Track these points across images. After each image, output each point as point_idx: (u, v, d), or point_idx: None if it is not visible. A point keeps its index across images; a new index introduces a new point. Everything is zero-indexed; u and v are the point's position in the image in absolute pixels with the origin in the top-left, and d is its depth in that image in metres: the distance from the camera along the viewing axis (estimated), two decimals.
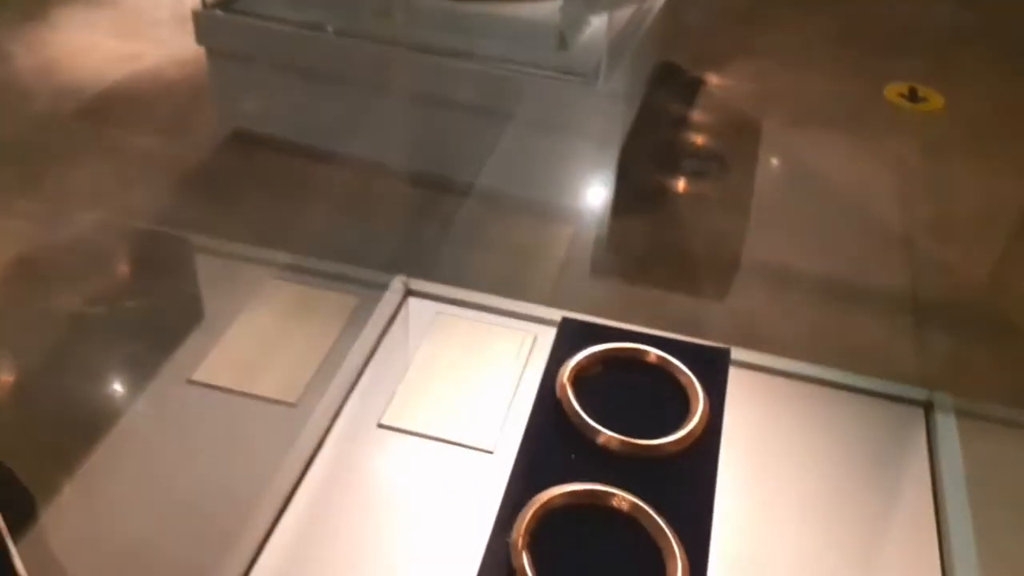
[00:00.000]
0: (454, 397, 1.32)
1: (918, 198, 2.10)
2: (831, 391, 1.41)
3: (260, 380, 1.33)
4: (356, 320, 1.42)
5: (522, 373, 1.37)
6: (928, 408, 1.40)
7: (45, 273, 1.53)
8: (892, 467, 1.31)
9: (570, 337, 1.28)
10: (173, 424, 1.28)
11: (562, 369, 1.21)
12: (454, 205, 1.91)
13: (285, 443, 1.25)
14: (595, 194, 2.06)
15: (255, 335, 1.40)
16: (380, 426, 1.28)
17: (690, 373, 1.21)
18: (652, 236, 1.96)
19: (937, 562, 1.20)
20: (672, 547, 1.01)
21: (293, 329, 1.42)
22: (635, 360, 1.24)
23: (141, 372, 1.33)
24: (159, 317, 1.44)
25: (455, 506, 1.20)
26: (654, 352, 1.24)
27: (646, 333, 1.30)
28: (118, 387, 1.34)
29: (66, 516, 1.15)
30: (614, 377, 1.22)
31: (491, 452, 1.26)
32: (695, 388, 1.20)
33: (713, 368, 1.25)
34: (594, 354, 1.23)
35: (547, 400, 1.19)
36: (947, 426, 1.37)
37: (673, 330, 1.34)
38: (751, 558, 1.17)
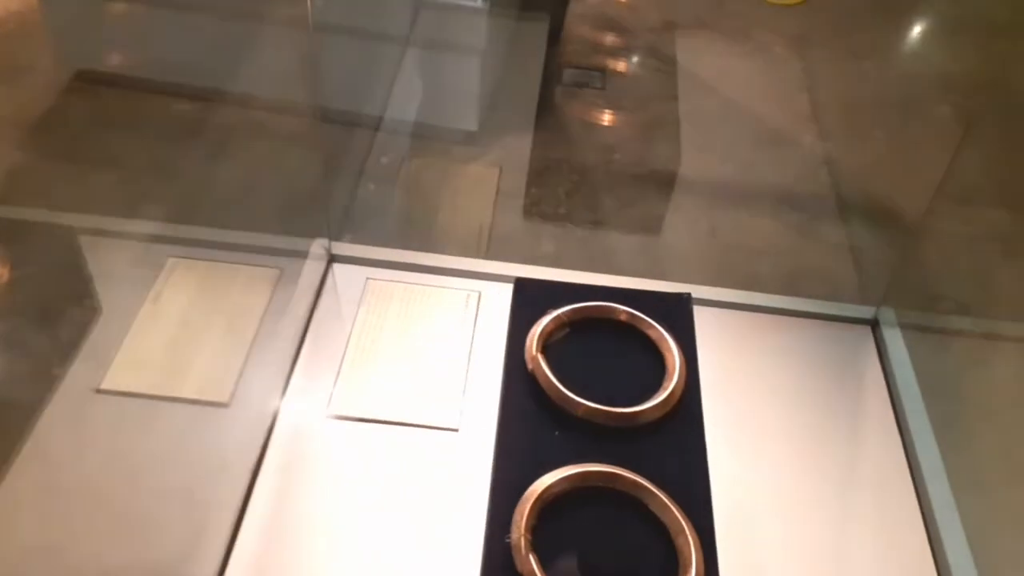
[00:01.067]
0: (405, 373, 1.21)
1: (797, 90, 2.08)
2: (782, 319, 1.38)
3: (182, 381, 1.18)
4: (279, 297, 1.28)
5: (473, 337, 1.27)
6: (875, 325, 1.39)
7: None
8: (851, 386, 1.30)
9: (527, 299, 1.19)
10: (88, 445, 1.12)
11: (529, 339, 1.12)
12: (364, 146, 1.75)
13: (226, 450, 1.12)
14: (510, 119, 1.94)
15: (165, 328, 1.24)
16: (331, 417, 1.17)
17: (659, 327, 1.15)
18: (564, 159, 1.87)
19: (905, 467, 1.21)
20: (679, 523, 0.96)
21: (208, 315, 1.26)
22: (601, 319, 1.16)
23: (39, 389, 1.16)
24: (45, 320, 1.25)
25: (426, 493, 1.10)
26: (620, 308, 1.16)
27: (605, 286, 1.22)
28: (15, 411, 1.17)
29: None
30: (583, 340, 1.14)
31: (456, 430, 1.17)
32: (667, 342, 1.13)
33: (678, 315, 1.19)
34: (558, 318, 1.14)
35: (518, 374, 1.10)
36: (895, 340, 1.36)
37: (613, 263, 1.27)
38: (741, 504, 1.13)
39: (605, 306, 1.16)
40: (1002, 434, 1.19)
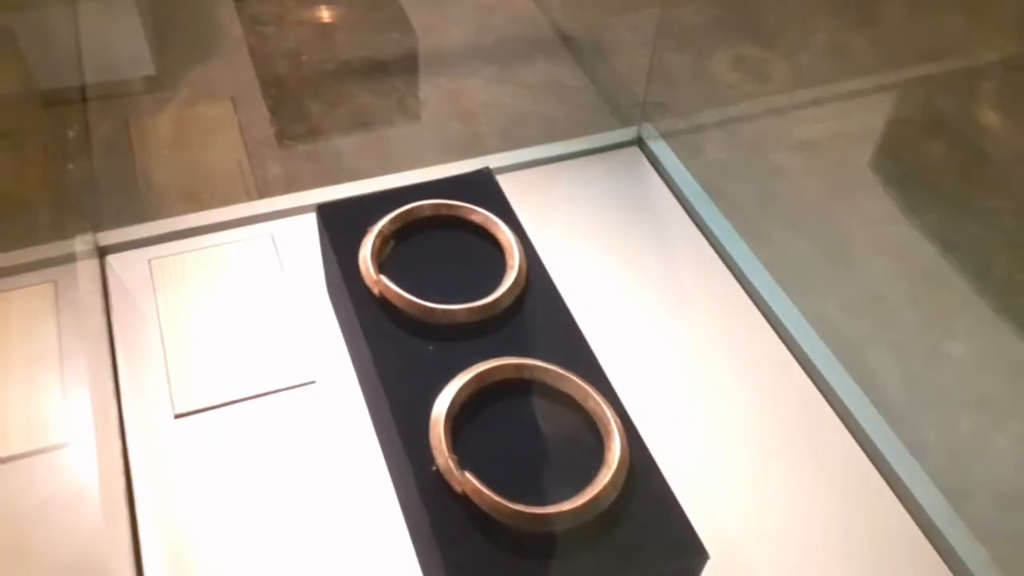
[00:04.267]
0: (234, 344, 1.12)
1: None
2: (555, 167, 1.40)
3: (3, 436, 1.02)
4: (66, 311, 1.13)
5: (285, 283, 1.19)
6: (641, 144, 1.45)
7: None
8: (643, 204, 1.36)
9: (336, 224, 1.12)
10: None
11: (362, 263, 1.06)
12: (80, 121, 1.53)
13: (88, 490, 1.00)
14: (218, 49, 1.77)
15: None
16: (179, 416, 1.06)
17: (479, 209, 1.13)
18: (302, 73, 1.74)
19: (720, 264, 1.30)
20: (583, 389, 0.97)
21: None
22: (422, 220, 1.12)
23: None
24: None
25: (311, 453, 1.05)
26: (435, 204, 1.13)
27: (406, 186, 1.17)
28: None
29: None
30: (412, 247, 1.10)
31: (313, 382, 1.11)
32: (492, 222, 1.12)
33: (487, 192, 1.17)
34: (381, 233, 1.09)
35: (364, 301, 1.05)
36: (663, 151, 1.43)
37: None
38: (607, 348, 1.17)
39: (420, 206, 1.12)
40: (786, 194, 1.30)
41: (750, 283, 1.27)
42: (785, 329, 1.21)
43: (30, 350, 1.10)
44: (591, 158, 1.41)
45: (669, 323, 1.21)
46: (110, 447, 1.02)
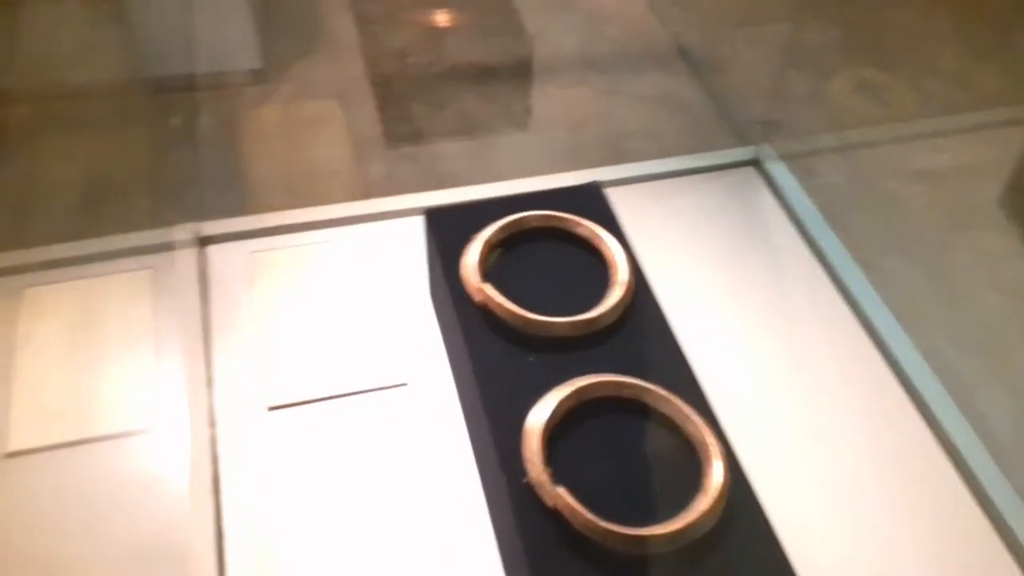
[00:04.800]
0: (330, 340, 1.13)
1: None
2: (669, 183, 1.37)
3: (91, 418, 1.05)
4: (163, 299, 1.15)
5: (388, 282, 1.19)
6: (757, 164, 1.41)
7: None
8: (757, 227, 1.33)
9: (443, 229, 1.12)
10: (18, 512, 0.98)
11: (465, 270, 1.06)
12: (190, 111, 1.57)
13: (175, 477, 1.01)
14: (328, 46, 1.79)
15: (50, 367, 1.09)
16: (271, 409, 1.07)
17: (586, 223, 1.11)
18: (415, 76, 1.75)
19: (835, 292, 1.25)
20: (682, 411, 0.94)
21: (93, 341, 1.12)
22: (526, 230, 1.11)
23: None
24: None
25: (400, 457, 1.04)
26: (542, 215, 1.11)
27: (514, 195, 1.17)
28: None
29: None
30: (517, 257, 1.09)
31: (405, 384, 1.10)
32: (599, 237, 1.10)
33: (594, 206, 1.16)
34: (488, 242, 1.08)
35: (465, 310, 1.04)
36: (781, 173, 1.39)
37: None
38: (713, 375, 1.13)
39: (527, 216, 1.11)
40: (904, 224, 1.26)
41: (863, 312, 1.22)
42: (896, 361, 1.16)
43: (125, 335, 1.12)
44: (705, 176, 1.38)
45: (776, 349, 1.17)
46: (200, 434, 1.03)
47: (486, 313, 1.03)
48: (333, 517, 0.99)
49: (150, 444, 1.05)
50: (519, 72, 1.81)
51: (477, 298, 1.03)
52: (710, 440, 0.92)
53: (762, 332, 1.19)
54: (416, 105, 1.74)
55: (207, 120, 1.62)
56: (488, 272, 1.06)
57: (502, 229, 1.09)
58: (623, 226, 1.18)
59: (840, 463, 1.07)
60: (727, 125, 1.58)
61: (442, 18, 1.91)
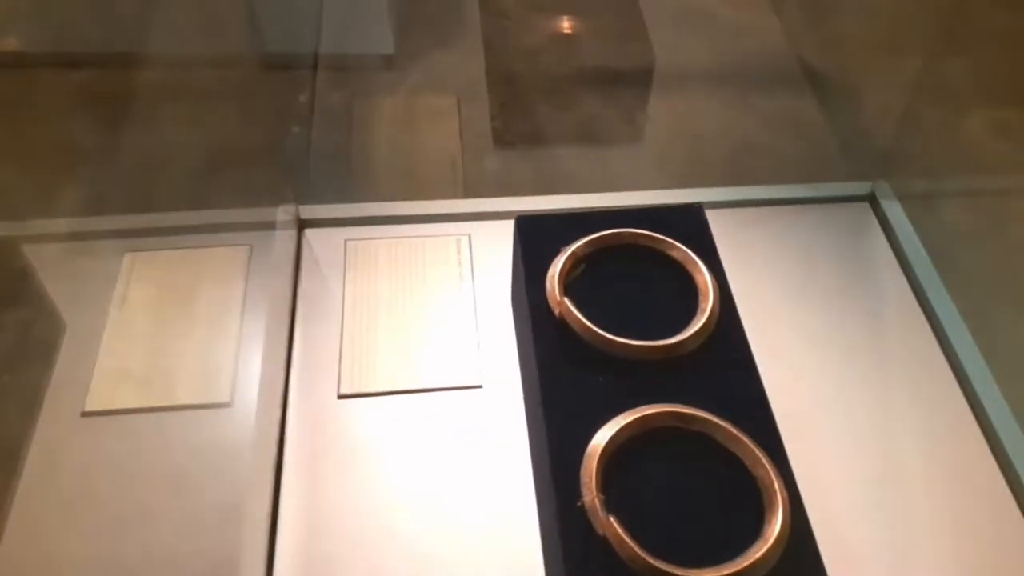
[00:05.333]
0: (409, 336, 1.13)
1: None
2: (779, 209, 1.32)
3: (172, 386, 1.07)
4: (256, 276, 1.16)
5: (473, 284, 1.18)
6: (872, 200, 1.34)
7: None
8: (862, 265, 1.26)
9: (532, 238, 1.10)
10: (86, 472, 1.01)
11: (548, 282, 1.03)
12: (307, 90, 1.59)
13: (240, 452, 1.02)
14: (458, 38, 1.79)
15: (139, 332, 1.12)
16: (343, 397, 1.08)
17: (681, 246, 1.07)
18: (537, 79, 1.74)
19: (933, 339, 1.19)
20: (754, 453, 0.90)
21: (183, 310, 1.15)
22: (619, 248, 1.08)
23: (18, 423, 1.03)
24: (5, 345, 1.12)
25: (462, 459, 1.03)
26: (635, 233, 1.08)
27: (608, 208, 1.14)
28: None
29: None
30: (603, 274, 1.06)
31: (479, 387, 1.09)
32: (693, 261, 1.06)
33: (693, 229, 1.12)
34: (574, 255, 1.06)
35: (543, 321, 1.02)
36: (896, 212, 1.32)
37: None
38: (793, 413, 1.08)
39: (619, 233, 1.08)
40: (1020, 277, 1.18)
41: (961, 366, 1.15)
42: (990, 423, 1.09)
43: (215, 308, 1.14)
44: (816, 207, 1.32)
45: (864, 398, 1.11)
46: (270, 414, 1.05)
47: (563, 327, 1.00)
48: (386, 508, 0.99)
49: (223, 418, 1.07)
50: (646, 81, 1.77)
51: (556, 311, 1.01)
52: (777, 487, 0.88)
53: (851, 378, 1.13)
54: (541, 105, 1.72)
55: (329, 101, 1.63)
56: (572, 286, 1.03)
57: (590, 243, 1.07)
58: (722, 250, 1.14)
59: (915, 528, 1.01)
60: (847, 155, 1.51)
61: (576, 22, 1.89)
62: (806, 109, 1.63)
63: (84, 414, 1.04)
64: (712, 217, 1.25)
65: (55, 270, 1.17)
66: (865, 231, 1.30)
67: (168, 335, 1.12)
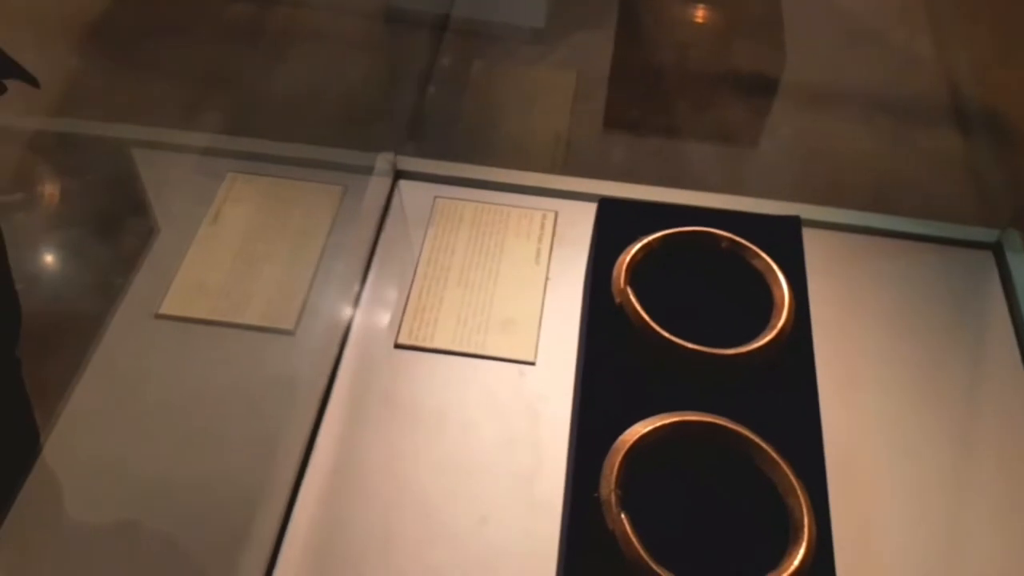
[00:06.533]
0: (476, 301, 1.12)
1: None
2: (894, 242, 1.24)
3: (244, 306, 1.10)
4: (344, 216, 1.18)
5: (549, 262, 1.16)
6: (997, 250, 1.25)
7: None
8: (972, 317, 1.17)
9: (613, 222, 1.07)
10: (149, 370, 1.06)
11: (616, 269, 1.01)
12: (429, 49, 1.61)
13: (292, 380, 1.04)
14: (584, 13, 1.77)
15: (225, 249, 1.15)
16: (399, 347, 1.08)
17: (765, 256, 1.02)
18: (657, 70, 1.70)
19: None
20: (790, 482, 0.85)
21: (270, 236, 1.17)
22: (698, 246, 1.04)
23: (98, 310, 1.08)
24: (97, 238, 1.17)
25: (500, 431, 1.02)
26: (719, 235, 1.04)
27: (700, 207, 1.10)
28: (76, 330, 1.10)
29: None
30: (677, 270, 1.03)
31: (532, 363, 1.08)
32: (775, 274, 1.01)
33: (785, 242, 1.06)
34: (649, 245, 1.03)
35: (603, 308, 0.99)
36: (1020, 267, 1.23)
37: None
38: (851, 453, 1.02)
39: (703, 232, 1.04)
40: None
41: None
42: None
43: (299, 240, 1.16)
44: (934, 247, 1.23)
45: (940, 455, 1.03)
46: (328, 351, 1.06)
47: (622, 317, 0.98)
48: (416, 464, 0.98)
49: (283, 345, 1.09)
50: (797, 94, 1.70)
51: (617, 299, 0.98)
52: (807, 521, 0.83)
53: (930, 430, 1.05)
54: (680, 101, 1.68)
55: (470, 65, 1.64)
56: (637, 276, 1.00)
57: (667, 236, 1.03)
58: (818, 271, 1.08)
59: None
60: (981, 200, 1.40)
61: (733, 22, 1.84)
62: (949, 145, 1.53)
63: (157, 316, 1.08)
64: (817, 237, 1.20)
65: (161, 176, 1.22)
66: (983, 280, 1.21)
67: (250, 256, 1.15)
